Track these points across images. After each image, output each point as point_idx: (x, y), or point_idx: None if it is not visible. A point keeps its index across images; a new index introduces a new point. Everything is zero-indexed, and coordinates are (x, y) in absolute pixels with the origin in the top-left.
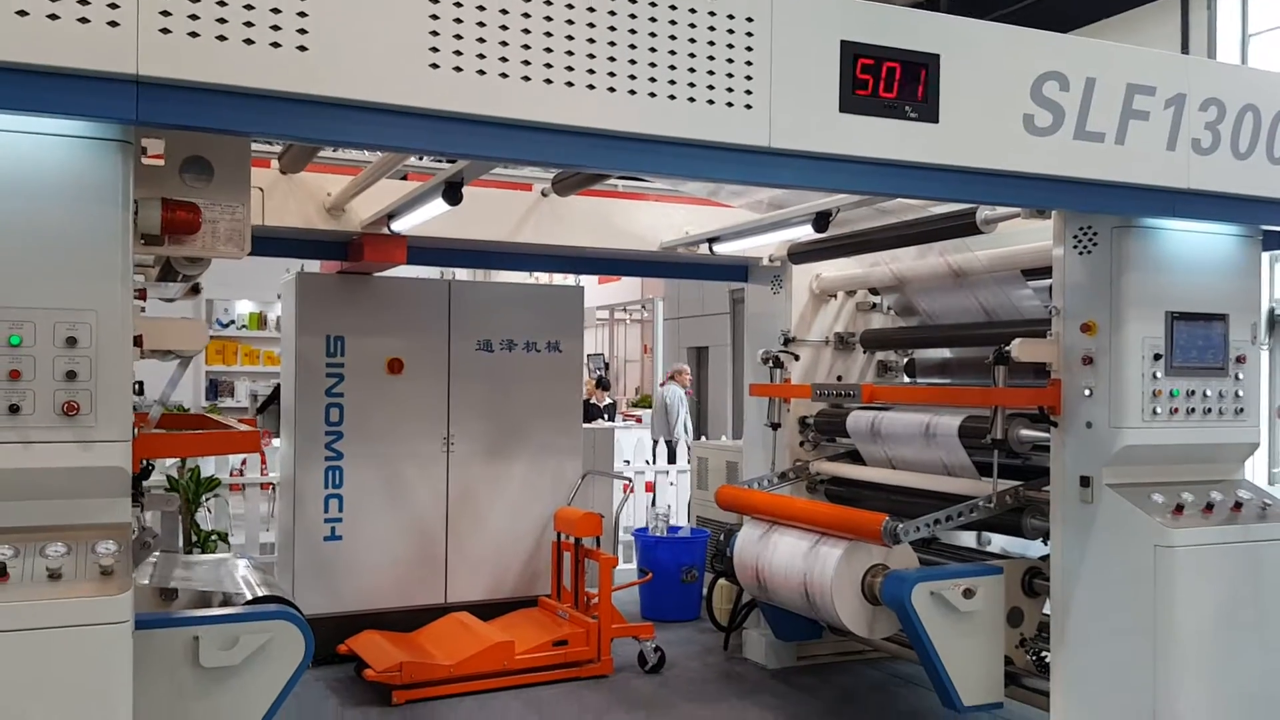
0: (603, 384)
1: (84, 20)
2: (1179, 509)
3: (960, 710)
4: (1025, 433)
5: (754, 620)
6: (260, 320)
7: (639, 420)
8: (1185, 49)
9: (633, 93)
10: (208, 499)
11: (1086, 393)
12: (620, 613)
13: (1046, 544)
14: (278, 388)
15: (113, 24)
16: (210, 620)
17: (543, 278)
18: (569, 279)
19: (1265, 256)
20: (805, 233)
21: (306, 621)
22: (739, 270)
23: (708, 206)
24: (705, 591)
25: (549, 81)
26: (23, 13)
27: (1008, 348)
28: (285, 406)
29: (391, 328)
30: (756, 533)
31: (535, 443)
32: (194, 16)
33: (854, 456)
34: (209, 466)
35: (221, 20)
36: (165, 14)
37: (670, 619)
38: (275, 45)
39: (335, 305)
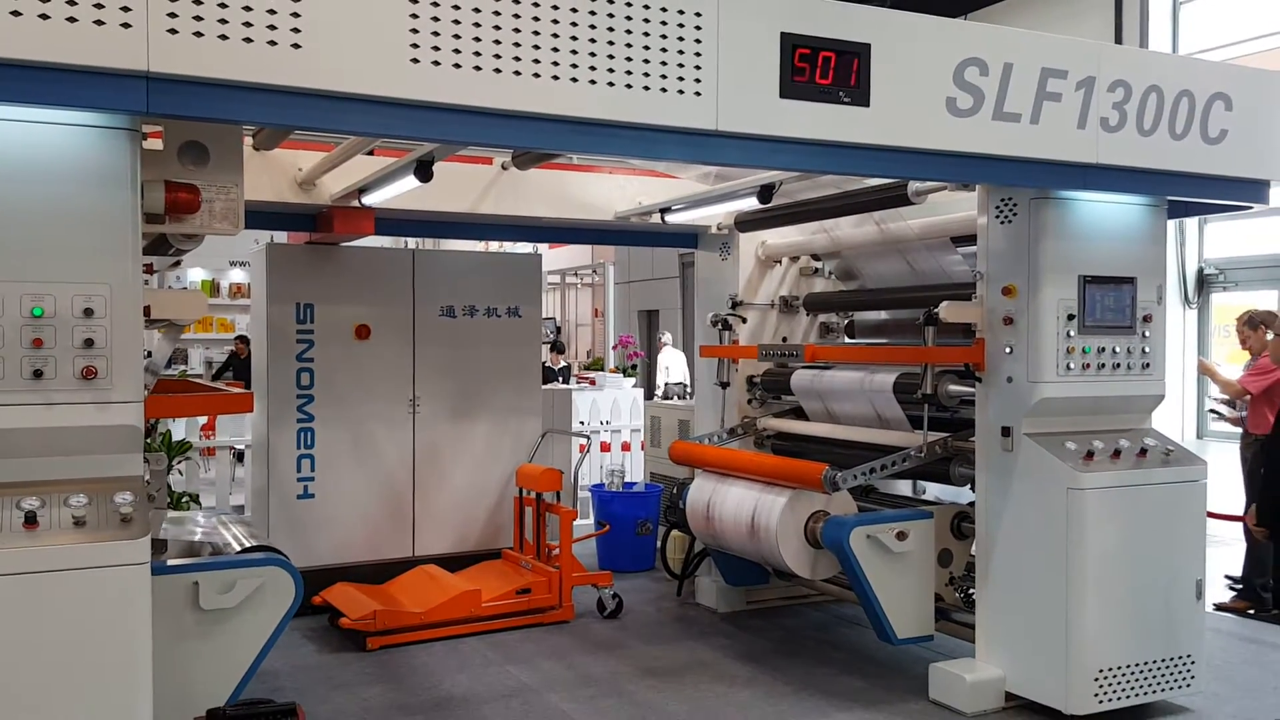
0: (557, 347)
1: (99, 22)
2: (1089, 455)
3: (894, 643)
4: (953, 388)
5: (705, 568)
6: (213, 288)
7: (593, 383)
8: (1119, 16)
9: (593, 82)
10: (179, 462)
11: (1007, 350)
12: (580, 563)
13: (973, 490)
14: (232, 354)
15: (125, 25)
16: (209, 566)
17: (493, 245)
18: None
19: (1192, 221)
20: (751, 203)
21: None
22: (689, 237)
23: (658, 178)
24: (659, 543)
25: (517, 73)
26: (45, 16)
27: (936, 310)
28: (257, 371)
29: (359, 295)
30: (708, 485)
31: (497, 404)
32: (198, 18)
33: (798, 413)
34: (179, 430)
35: (223, 20)
36: (172, 15)
37: (626, 569)
38: (272, 43)
39: (304, 274)
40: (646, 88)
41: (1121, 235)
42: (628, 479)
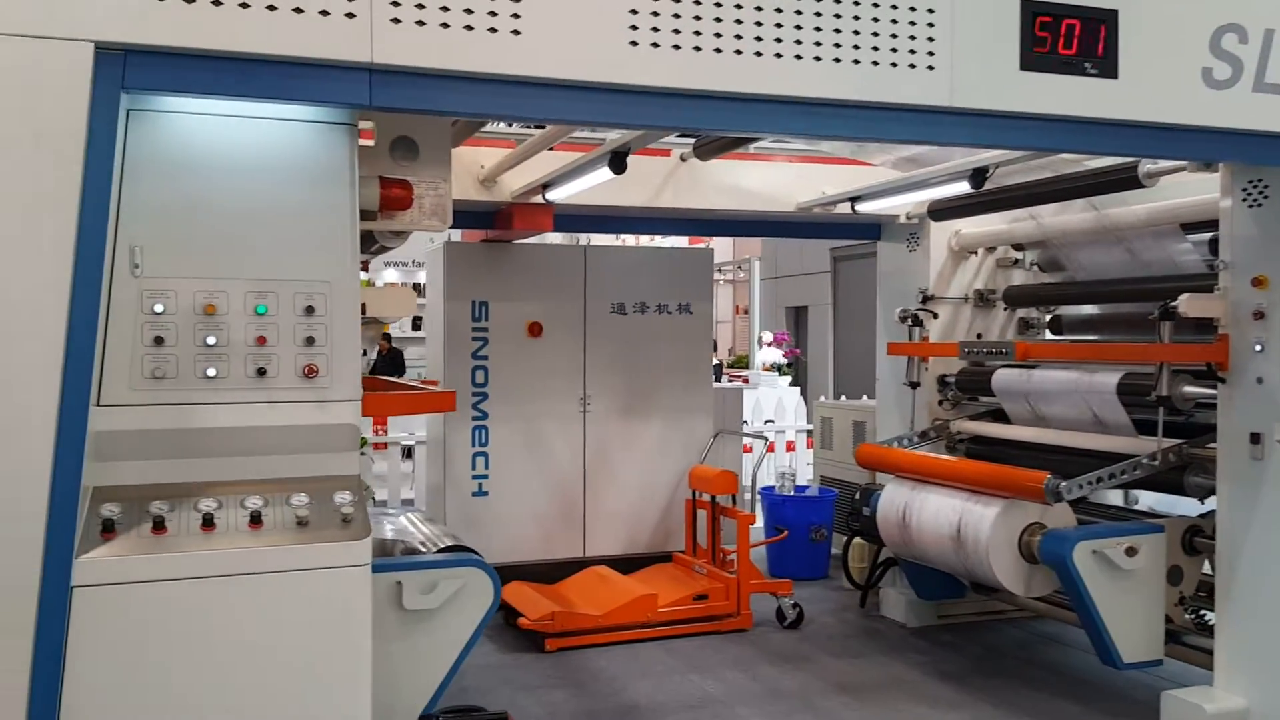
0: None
1: (324, 13)
2: None
3: (1119, 667)
4: (1189, 389)
5: (890, 579)
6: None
7: (746, 381)
8: None
9: (818, 59)
10: None
11: (1257, 348)
12: (757, 569)
13: (1204, 502)
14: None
15: (349, 15)
16: (411, 566)
17: (644, 240)
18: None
19: None
20: (952, 190)
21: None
22: (872, 228)
23: (843, 165)
24: (842, 551)
25: (738, 53)
26: (272, 8)
27: (1174, 303)
28: (433, 369)
29: (531, 292)
30: (901, 492)
31: (667, 402)
32: (420, 6)
33: (996, 415)
34: None
35: (444, 8)
36: (395, 4)
37: (798, 577)
38: (492, 30)
39: (480, 272)
40: (875, 63)
41: None
42: (796, 482)
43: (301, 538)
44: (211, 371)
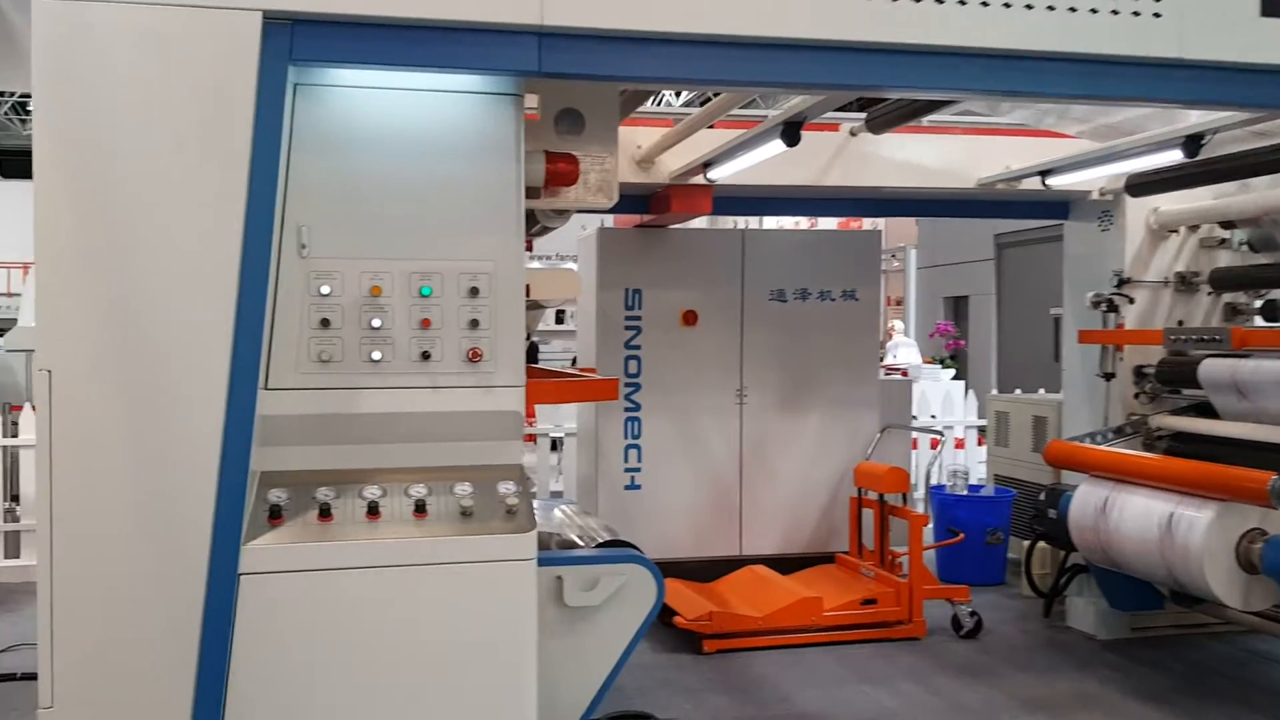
0: None
1: None
2: None
3: None
4: None
5: (1078, 586)
6: None
7: (904, 374)
8: None
9: (1029, 7)
10: None
11: None
12: (930, 574)
13: None
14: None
15: None
16: (572, 560)
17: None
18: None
19: None
20: (1158, 159)
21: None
22: (1058, 207)
23: (1023, 138)
24: (1025, 555)
25: (940, 1)
26: None
27: None
28: (584, 359)
29: (686, 280)
30: (1098, 492)
31: (830, 395)
32: None
33: (1202, 410)
34: None
35: None
36: None
37: (970, 582)
38: None
39: (633, 259)
40: (1094, 10)
41: None
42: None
43: (466, 529)
44: (376, 355)
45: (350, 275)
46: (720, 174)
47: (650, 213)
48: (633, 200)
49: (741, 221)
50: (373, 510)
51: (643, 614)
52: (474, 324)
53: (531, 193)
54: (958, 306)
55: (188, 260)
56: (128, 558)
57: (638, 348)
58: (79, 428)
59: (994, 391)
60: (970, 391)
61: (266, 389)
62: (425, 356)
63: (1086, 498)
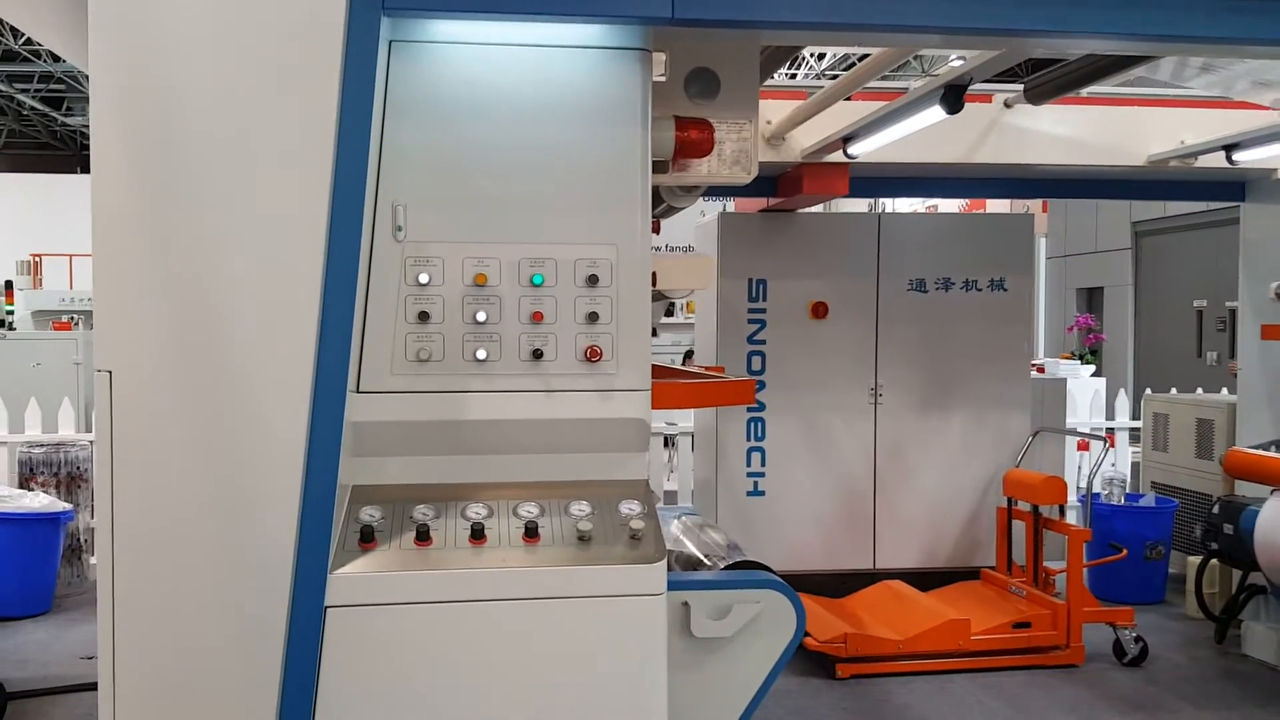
0: None
1: None
2: None
3: None
4: None
5: (1255, 609)
6: None
7: (1041, 370)
8: None
9: None
10: None
11: None
12: (1090, 594)
13: None
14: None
15: None
16: (700, 585)
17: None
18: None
19: None
20: None
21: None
22: (1233, 188)
23: (1197, 109)
24: (1196, 574)
25: None
26: None
27: None
28: (703, 354)
29: (816, 268)
30: None
31: (975, 394)
32: None
33: None
34: None
35: None
36: None
37: (1126, 601)
38: None
39: (758, 246)
40: None
41: None
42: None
43: (585, 557)
44: (481, 354)
45: (452, 261)
46: (863, 149)
47: (777, 195)
48: (758, 182)
49: (878, 205)
50: (477, 534)
51: (780, 648)
52: (593, 318)
53: (658, 167)
54: (1091, 298)
55: (266, 241)
56: (197, 588)
57: (762, 342)
58: (143, 437)
59: (1146, 390)
60: (1123, 390)
61: (357, 392)
62: (537, 355)
63: (1276, 512)
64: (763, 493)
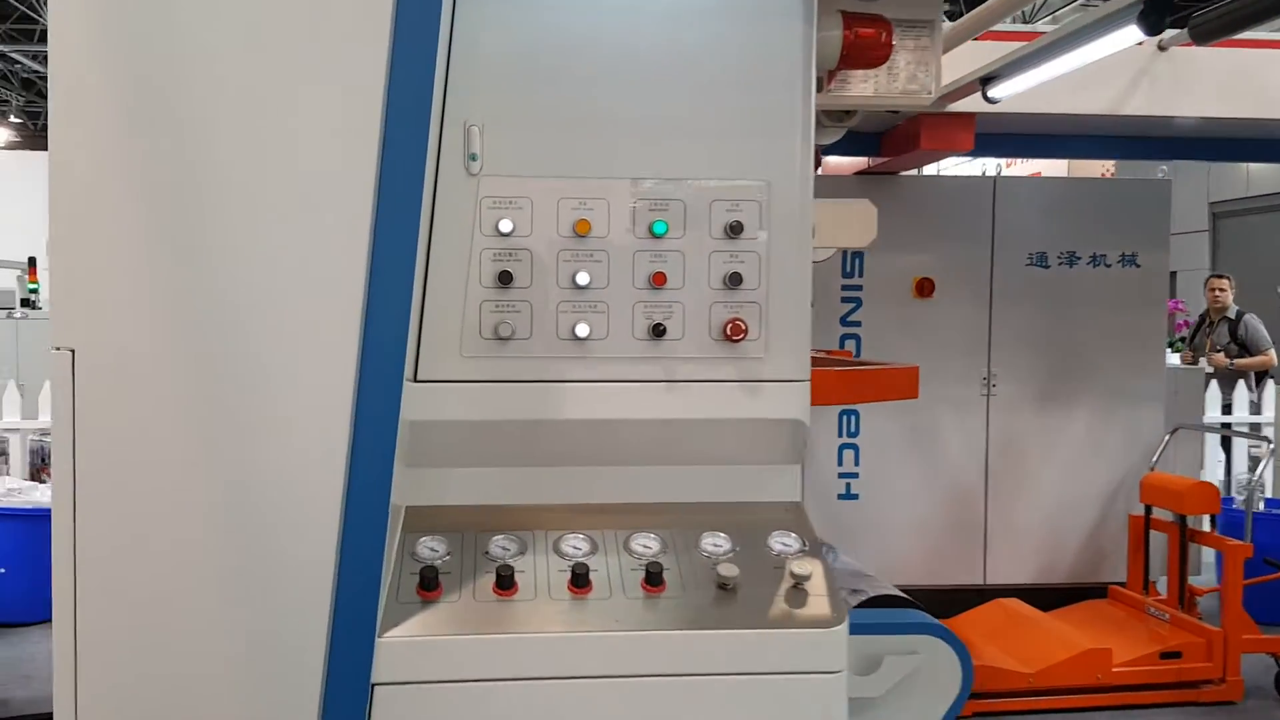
0: None
1: None
2: None
3: None
4: None
5: None
6: None
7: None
8: None
9: None
10: None
11: None
12: (1249, 619)
13: None
14: None
15: None
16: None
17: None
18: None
19: None
20: None
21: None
22: None
23: None
24: None
25: None
26: None
27: None
28: None
29: (921, 240)
30: None
31: (1103, 385)
32: None
33: None
34: None
35: None
36: None
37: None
38: None
39: None
40: None
41: None
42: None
43: (730, 616)
44: (582, 329)
45: (543, 203)
46: (1008, 90)
47: (881, 154)
48: (856, 138)
49: (992, 166)
50: (580, 579)
51: (940, 711)
52: (734, 281)
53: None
54: (1169, 281)
55: (294, 171)
56: (193, 653)
57: (856, 324)
58: (116, 440)
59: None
60: (1242, 382)
61: (414, 381)
62: (657, 332)
63: None
64: (856, 496)
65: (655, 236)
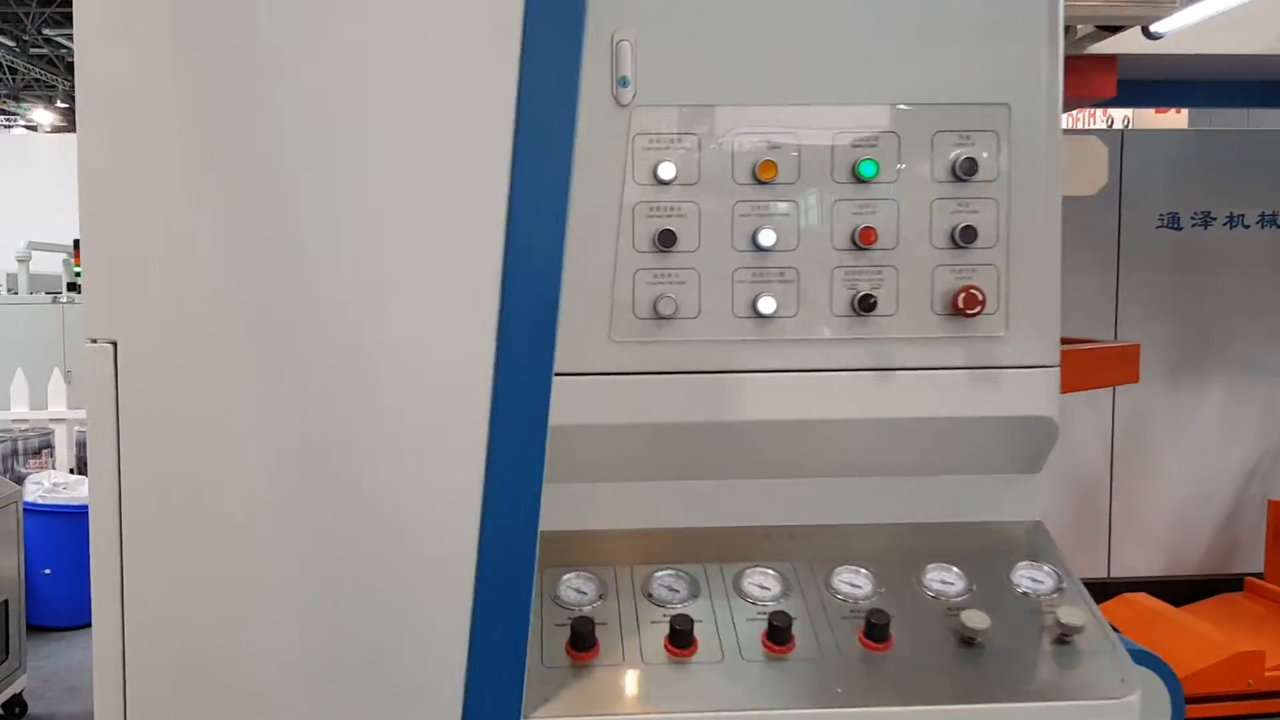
0: None
1: None
2: None
3: None
4: None
5: None
6: None
7: None
8: None
9: None
10: None
11: None
12: None
13: None
14: None
15: None
16: None
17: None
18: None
19: None
20: None
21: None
22: None
23: None
24: None
25: None
26: None
27: None
28: None
29: None
30: None
31: (1241, 359)
32: None
33: None
34: None
35: None
36: None
37: None
38: None
39: None
40: None
41: None
42: None
43: (980, 686)
44: (767, 304)
45: (715, 140)
46: (1176, 24)
47: None
48: None
49: (1121, 117)
50: (779, 635)
51: None
52: (965, 236)
53: None
54: None
55: (404, 118)
56: None
57: None
58: (170, 456)
59: None
60: None
61: (558, 374)
62: (865, 305)
63: None
64: None
65: (861, 180)
